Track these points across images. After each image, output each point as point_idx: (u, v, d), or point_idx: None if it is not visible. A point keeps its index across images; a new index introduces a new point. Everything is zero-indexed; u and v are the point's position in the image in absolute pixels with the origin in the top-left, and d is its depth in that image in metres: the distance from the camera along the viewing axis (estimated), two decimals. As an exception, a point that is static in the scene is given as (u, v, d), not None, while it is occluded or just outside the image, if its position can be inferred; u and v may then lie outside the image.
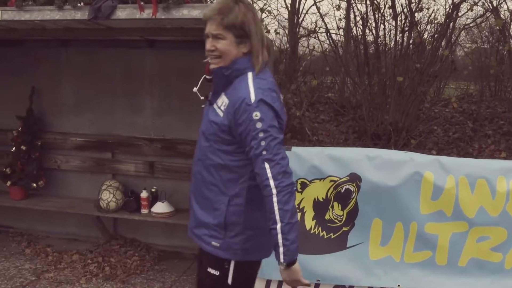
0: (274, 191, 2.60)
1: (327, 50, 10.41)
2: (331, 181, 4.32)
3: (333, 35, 9.72)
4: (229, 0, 2.73)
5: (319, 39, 10.69)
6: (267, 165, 2.61)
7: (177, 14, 4.06)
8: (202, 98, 3.72)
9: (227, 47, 2.71)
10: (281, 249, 2.63)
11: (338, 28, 10.02)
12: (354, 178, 4.25)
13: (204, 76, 3.88)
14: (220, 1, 2.74)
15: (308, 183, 4.38)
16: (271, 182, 2.60)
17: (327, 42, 10.31)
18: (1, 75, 6.49)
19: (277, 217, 2.60)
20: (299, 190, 4.42)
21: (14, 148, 6.31)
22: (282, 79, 10.16)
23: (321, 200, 4.39)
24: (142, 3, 4.13)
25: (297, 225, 2.66)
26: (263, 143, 2.61)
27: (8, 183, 6.26)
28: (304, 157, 4.39)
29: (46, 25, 4.90)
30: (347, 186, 4.29)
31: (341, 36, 10.28)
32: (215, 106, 2.79)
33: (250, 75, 2.73)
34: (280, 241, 2.62)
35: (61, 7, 4.36)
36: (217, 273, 2.91)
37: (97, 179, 6.22)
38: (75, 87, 6.27)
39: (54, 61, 6.26)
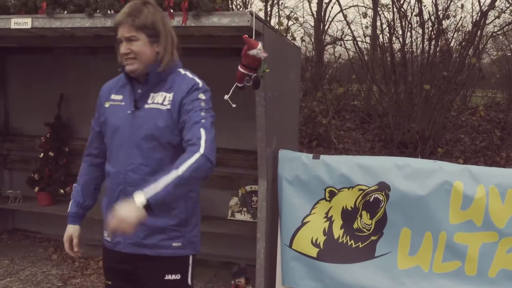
0: (202, 150, 2.57)
1: (353, 57, 10.38)
2: (360, 190, 4.30)
3: (359, 43, 9.70)
4: (138, 3, 2.79)
5: (345, 47, 10.61)
6: (203, 132, 2.66)
7: (207, 22, 4.06)
8: (234, 105, 3.76)
9: (142, 48, 2.75)
10: (155, 190, 2.44)
11: (365, 36, 10.02)
12: (383, 187, 4.22)
13: (235, 84, 3.93)
14: (129, 5, 2.79)
15: (336, 191, 4.37)
16: (203, 144, 2.60)
17: (353, 49, 10.30)
18: (30, 82, 6.57)
19: (183, 168, 2.50)
20: (328, 198, 4.41)
21: (42, 154, 6.39)
22: (308, 86, 10.16)
23: (350, 209, 4.37)
24: (171, 10, 4.15)
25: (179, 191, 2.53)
26: (203, 113, 2.75)
27: (36, 188, 6.33)
28: (332, 166, 4.38)
29: (75, 32, 4.93)
30: (376, 195, 4.26)
31: (368, 44, 10.27)
32: (151, 106, 2.78)
33: (183, 70, 2.89)
34: (164, 185, 2.45)
35: (91, 15, 4.38)
36: (178, 276, 2.88)
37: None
38: (103, 94, 6.31)
39: (82, 68, 6.33)
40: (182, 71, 2.89)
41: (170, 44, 2.82)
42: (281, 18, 10.97)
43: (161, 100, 2.78)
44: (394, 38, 8.88)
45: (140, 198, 2.42)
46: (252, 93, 4.24)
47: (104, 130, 2.94)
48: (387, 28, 8.92)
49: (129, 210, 2.39)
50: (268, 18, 10.29)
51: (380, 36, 9.17)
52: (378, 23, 9.52)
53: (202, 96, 2.77)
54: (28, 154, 6.65)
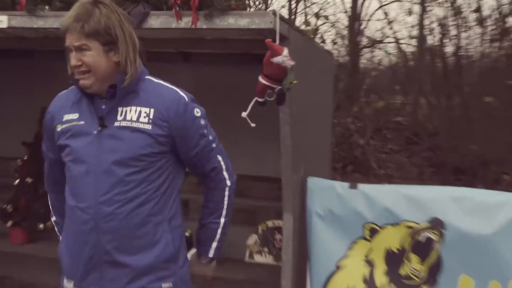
0: (228, 182, 3.04)
1: (396, 63, 10.43)
2: (408, 227, 4.31)
3: (403, 46, 9.75)
4: (86, 3, 2.75)
5: (386, 51, 10.66)
6: (220, 158, 3.02)
7: (221, 23, 4.09)
8: (253, 125, 3.76)
9: (95, 59, 2.73)
10: (215, 244, 3.08)
11: (410, 37, 10.05)
12: (437, 224, 4.22)
13: (255, 99, 3.93)
14: (77, 7, 2.75)
15: (378, 229, 4.38)
16: (226, 174, 3.04)
17: (396, 54, 10.35)
18: (5, 93, 6.57)
19: (224, 212, 3.06)
20: (368, 237, 4.42)
21: (18, 181, 6.37)
22: (341, 99, 10.19)
23: (395, 251, 4.38)
24: (178, 9, 4.18)
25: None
26: (211, 137, 2.96)
27: (9, 223, 6.31)
28: (373, 197, 4.40)
29: (62, 33, 5.00)
30: (428, 234, 4.25)
31: (414, 47, 10.29)
32: (124, 123, 2.80)
33: (153, 78, 2.94)
34: (218, 236, 3.08)
35: None
36: None
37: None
38: (94, 108, 6.34)
39: (68, 76, 6.34)
40: (153, 79, 2.94)
41: (132, 51, 2.81)
42: (308, 17, 11.04)
43: (135, 116, 2.80)
44: (446, 40, 8.90)
45: (205, 260, 3.05)
46: (275, 108, 4.25)
47: (62, 157, 2.92)
48: (438, 27, 8.96)
49: (210, 271, 3.08)
50: (292, 17, 10.37)
51: (429, 37, 9.21)
52: (427, 22, 9.55)
53: (197, 111, 2.90)
54: (1, 181, 6.67)
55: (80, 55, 2.73)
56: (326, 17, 10.33)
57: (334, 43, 11.15)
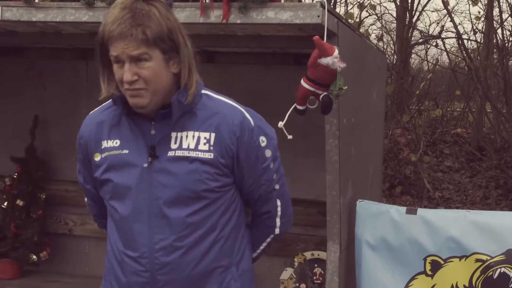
0: (277, 231, 3.07)
1: (457, 64, 10.44)
2: (478, 260, 4.35)
3: (465, 42, 9.76)
4: (139, 2, 2.62)
5: (444, 48, 10.65)
6: (279, 202, 2.99)
7: (259, 17, 4.13)
8: (290, 137, 3.77)
9: (156, 71, 2.63)
10: None
11: (475, 32, 10.05)
12: (514, 258, 4.28)
13: (294, 106, 3.98)
14: (127, 5, 2.61)
15: (442, 262, 4.43)
16: (278, 222, 3.03)
17: (457, 52, 10.36)
18: (-9, 98, 6.67)
19: (255, 254, 3.11)
20: (429, 272, 4.47)
21: (6, 203, 6.42)
22: (388, 107, 10.21)
23: (463, 288, 4.44)
24: (207, 1, 4.23)
25: None
26: (275, 176, 2.92)
27: (-4, 254, 6.41)
28: (436, 225, 4.45)
29: (63, 28, 5.08)
30: (503, 270, 4.29)
31: (479, 44, 10.29)
32: (179, 153, 2.72)
33: (210, 92, 2.87)
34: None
35: (91, 4, 4.48)
36: None
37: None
38: (99, 117, 6.38)
39: (68, 79, 6.48)
40: (210, 93, 2.87)
41: (192, 58, 2.73)
42: (350, 8, 11.04)
43: (193, 143, 2.73)
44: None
45: None
46: (314, 118, 4.32)
47: (101, 193, 2.88)
48: (510, 18, 8.98)
49: None
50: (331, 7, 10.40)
51: (499, 31, 9.22)
52: (495, 12, 9.56)
53: (262, 140, 2.83)
54: (-15, 203, 6.72)
55: (137, 67, 2.60)
56: (373, 7, 10.25)
57: (379, 39, 11.14)
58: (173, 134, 2.73)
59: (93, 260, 6.58)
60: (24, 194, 6.42)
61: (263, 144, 2.82)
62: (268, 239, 3.08)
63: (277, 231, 3.04)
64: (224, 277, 2.81)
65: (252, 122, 2.79)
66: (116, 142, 2.78)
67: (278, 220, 3.01)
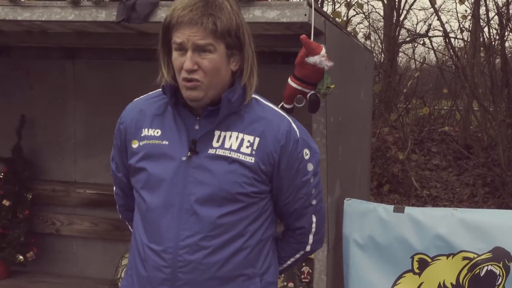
0: (308, 248, 2.99)
1: (444, 62, 10.46)
2: (465, 258, 4.37)
3: (452, 40, 9.78)
4: None
5: (431, 47, 10.68)
6: (314, 219, 2.91)
7: (246, 16, 4.07)
8: None
9: (217, 64, 2.60)
10: None
11: (462, 30, 10.08)
12: (501, 256, 4.28)
13: (281, 104, 3.99)
14: None
15: (430, 260, 4.45)
16: (311, 239, 2.95)
17: (444, 50, 10.38)
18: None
19: (281, 267, 3.01)
20: (417, 270, 4.49)
21: (-8, 204, 6.45)
22: (375, 105, 10.23)
23: (450, 286, 4.44)
24: None
25: None
26: (314, 191, 2.85)
27: (-18, 254, 6.38)
28: (423, 223, 4.46)
29: (49, 27, 5.07)
30: (490, 267, 4.31)
31: (466, 42, 10.32)
32: (220, 152, 2.68)
33: (260, 97, 2.81)
34: None
35: (77, 3, 4.49)
36: None
37: (115, 249, 6.32)
38: (86, 116, 6.43)
39: (54, 78, 6.46)
40: (260, 99, 2.82)
41: (255, 60, 2.71)
42: (337, 6, 11.06)
43: (236, 144, 2.69)
44: (507, 32, 8.95)
45: None
46: (301, 116, 4.26)
47: (133, 182, 2.84)
48: (496, 17, 9.00)
49: None
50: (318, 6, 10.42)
51: (485, 29, 9.25)
52: (482, 11, 9.59)
53: (306, 153, 2.77)
54: (-29, 203, 6.71)
55: (199, 57, 2.57)
56: (361, 6, 10.26)
57: (367, 37, 11.18)
58: (217, 132, 2.69)
59: (81, 260, 6.59)
60: (10, 194, 6.38)
61: (306, 157, 2.76)
62: (297, 255, 3.00)
63: (308, 248, 2.97)
64: (246, 286, 2.75)
65: (298, 134, 2.74)
66: (157, 132, 2.74)
67: (311, 237, 2.94)
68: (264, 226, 2.76)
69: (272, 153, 2.68)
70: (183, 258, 2.64)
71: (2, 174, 6.41)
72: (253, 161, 2.66)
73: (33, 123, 6.52)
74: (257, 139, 2.68)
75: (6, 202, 6.35)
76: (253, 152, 2.66)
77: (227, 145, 2.67)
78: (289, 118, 2.77)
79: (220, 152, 2.66)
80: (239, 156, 2.65)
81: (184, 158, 2.66)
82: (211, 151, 2.66)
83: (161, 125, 2.74)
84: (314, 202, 2.86)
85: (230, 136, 2.68)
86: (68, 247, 6.61)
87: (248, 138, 2.68)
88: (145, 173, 2.73)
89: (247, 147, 2.67)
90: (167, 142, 2.71)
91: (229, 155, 2.65)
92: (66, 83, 6.46)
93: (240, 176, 2.65)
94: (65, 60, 6.42)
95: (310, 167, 2.78)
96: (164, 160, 2.69)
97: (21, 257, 6.31)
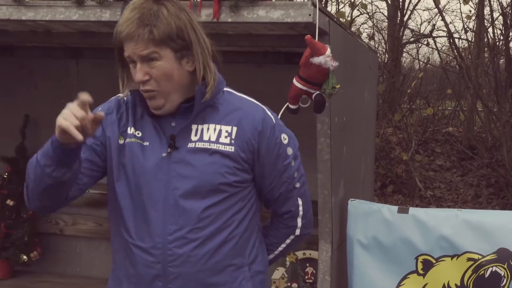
0: (297, 232, 3.02)
1: (448, 62, 10.45)
2: (470, 259, 4.36)
3: (457, 41, 9.76)
4: (148, 2, 2.62)
5: (435, 47, 10.66)
6: (300, 201, 2.96)
7: (250, 16, 4.14)
8: None
9: (167, 70, 2.64)
10: None
11: (466, 31, 10.07)
12: (505, 257, 4.28)
13: (286, 105, 3.99)
14: (136, 7, 2.62)
15: (434, 261, 4.44)
16: (300, 222, 3.00)
17: (448, 50, 10.36)
18: (-20, 98, 6.64)
19: (272, 255, 3.07)
20: (421, 271, 4.48)
21: (-4, 203, 6.46)
22: (380, 105, 10.22)
23: (454, 287, 4.43)
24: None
25: None
26: (296, 174, 2.91)
27: (-15, 254, 6.39)
28: (428, 224, 4.45)
29: (53, 27, 5.07)
30: (495, 268, 4.31)
31: (470, 43, 10.31)
32: (200, 145, 2.72)
33: (232, 90, 2.87)
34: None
35: (81, 3, 4.48)
36: None
37: (118, 249, 6.29)
38: (90, 115, 6.38)
39: (58, 78, 6.45)
40: (233, 91, 2.87)
41: (208, 55, 2.71)
42: (341, 7, 11.05)
43: (214, 136, 2.73)
44: (511, 33, 8.93)
45: None
46: (306, 116, 4.27)
47: (115, 180, 2.82)
48: (501, 17, 8.98)
49: None
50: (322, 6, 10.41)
51: (490, 30, 9.23)
52: (486, 11, 9.57)
53: (284, 138, 2.83)
54: (-25, 203, 6.72)
55: (148, 66, 2.62)
56: (365, 7, 10.24)
57: (370, 38, 11.17)
58: (194, 126, 2.74)
59: (84, 260, 6.58)
60: (14, 194, 6.34)
61: (285, 142, 2.83)
62: (288, 240, 3.04)
63: (297, 231, 3.01)
64: (236, 276, 2.79)
65: (273, 120, 2.81)
66: (138, 133, 2.78)
67: (299, 220, 2.98)
68: (249, 215, 2.82)
69: (250, 140, 2.74)
70: (172, 252, 2.68)
71: (6, 173, 6.40)
72: (233, 149, 2.71)
73: (37, 123, 6.50)
74: (235, 128, 2.74)
75: (10, 202, 6.33)
76: (232, 141, 2.72)
77: (205, 138, 2.72)
78: (263, 106, 2.84)
79: (199, 145, 2.71)
80: (219, 147, 2.71)
81: (164, 154, 2.71)
82: (190, 145, 2.72)
83: (141, 127, 2.80)
84: (297, 185, 2.92)
85: (208, 129, 2.74)
86: (72, 247, 6.59)
87: (226, 128, 2.74)
88: (127, 170, 2.76)
89: (226, 137, 2.73)
90: (147, 143, 2.76)
91: (209, 147, 2.71)
92: (70, 83, 6.44)
93: (222, 166, 2.70)
94: (69, 59, 6.40)
95: (290, 151, 2.84)
96: (146, 158, 2.73)
97: (24, 257, 6.28)
